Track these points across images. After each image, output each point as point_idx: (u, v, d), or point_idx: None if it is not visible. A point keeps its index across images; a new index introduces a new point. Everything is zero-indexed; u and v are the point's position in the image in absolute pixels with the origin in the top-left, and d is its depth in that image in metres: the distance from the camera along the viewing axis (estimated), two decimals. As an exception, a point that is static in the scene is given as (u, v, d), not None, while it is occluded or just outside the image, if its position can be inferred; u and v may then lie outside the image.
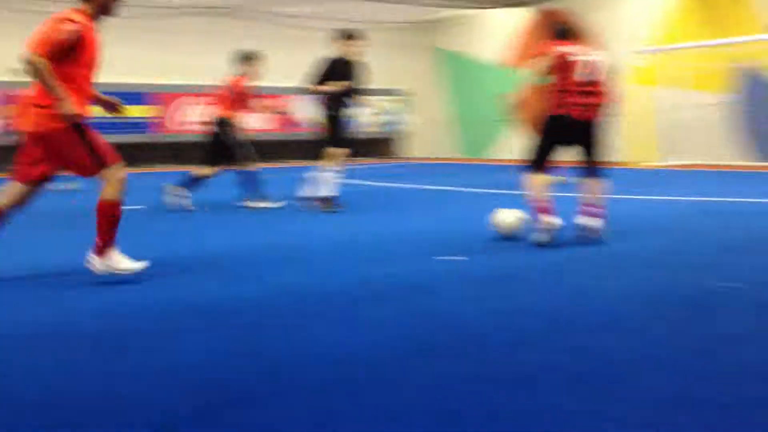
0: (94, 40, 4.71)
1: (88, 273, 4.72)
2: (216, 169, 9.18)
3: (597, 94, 6.02)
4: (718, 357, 3.08)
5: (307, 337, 3.49)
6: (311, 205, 8.68)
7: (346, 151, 8.81)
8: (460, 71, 21.73)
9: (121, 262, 4.73)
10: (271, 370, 3.04)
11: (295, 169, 11.85)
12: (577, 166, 6.22)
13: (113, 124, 13.41)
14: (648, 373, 2.89)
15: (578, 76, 5.98)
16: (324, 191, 8.66)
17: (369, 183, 12.66)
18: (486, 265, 5.22)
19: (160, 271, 4.93)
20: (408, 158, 21.84)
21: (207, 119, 9.60)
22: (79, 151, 4.69)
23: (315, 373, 2.99)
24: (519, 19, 19.81)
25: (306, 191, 8.92)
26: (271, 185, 9.49)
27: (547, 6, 18.97)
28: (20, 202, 4.89)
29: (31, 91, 4.69)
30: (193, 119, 18.80)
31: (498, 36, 20.45)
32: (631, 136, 15.41)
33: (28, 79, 4.61)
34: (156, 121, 18.92)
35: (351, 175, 13.08)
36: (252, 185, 9.16)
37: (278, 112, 9.77)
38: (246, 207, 9.00)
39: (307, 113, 19.81)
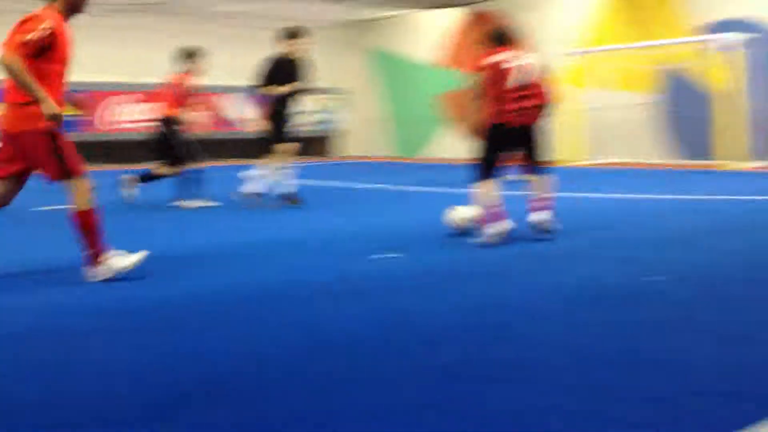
0: (66, 37, 4.70)
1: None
2: (176, 169, 9.06)
3: (532, 97, 6.18)
4: (641, 348, 3.21)
5: (247, 338, 3.51)
6: (262, 203, 8.67)
7: (295, 146, 8.81)
8: (394, 71, 21.84)
9: (119, 261, 4.71)
10: (215, 370, 3.05)
11: (232, 167, 11.74)
12: (522, 166, 6.36)
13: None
14: (572, 364, 3.00)
15: (513, 82, 6.12)
16: (281, 188, 8.74)
17: (305, 182, 12.61)
18: (424, 262, 5.31)
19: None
20: (343, 157, 21.84)
21: (152, 118, 9.49)
22: (48, 156, 4.67)
23: (255, 374, 3.01)
24: (451, 19, 20.02)
25: (251, 188, 8.88)
26: (208, 184, 9.42)
27: (478, 7, 19.23)
28: (1, 199, 4.85)
29: (7, 91, 4.63)
30: (126, 118, 18.47)
31: (431, 36, 20.63)
32: (561, 136, 15.75)
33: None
34: (86, 119, 18.48)
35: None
36: (191, 185, 9.08)
37: (209, 112, 9.72)
38: (179, 207, 8.90)
39: (243, 112, 19.74)
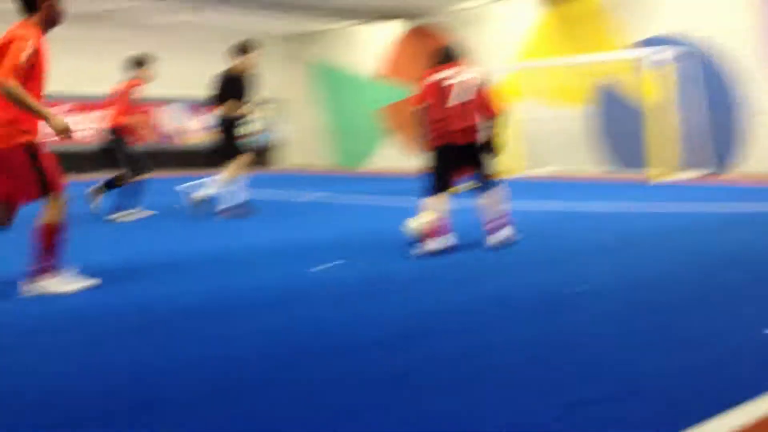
0: (45, 52, 4.65)
1: None
2: (137, 176, 8.96)
3: (474, 113, 6.23)
4: (572, 354, 3.29)
5: (180, 349, 3.48)
6: (213, 212, 8.67)
7: (250, 158, 8.84)
8: (336, 83, 21.89)
9: (60, 285, 4.67)
10: (148, 382, 3.02)
11: (171, 179, 11.61)
12: (471, 180, 6.42)
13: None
14: (505, 373, 3.06)
15: (455, 99, 6.18)
16: (232, 199, 8.68)
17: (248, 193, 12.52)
18: (363, 272, 5.33)
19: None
20: (285, 167, 21.77)
21: (100, 128, 9.35)
22: (29, 173, 4.61)
23: (189, 385, 2.99)
24: (392, 33, 20.17)
25: (202, 195, 8.81)
26: (147, 194, 9.31)
27: (418, 22, 19.42)
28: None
29: None
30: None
31: (372, 49, 20.75)
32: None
33: None
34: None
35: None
36: (129, 197, 8.97)
37: (145, 125, 9.67)
38: (114, 220, 8.79)
39: (181, 123, 19.53)
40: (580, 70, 15.77)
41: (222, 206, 8.75)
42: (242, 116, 8.78)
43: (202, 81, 19.73)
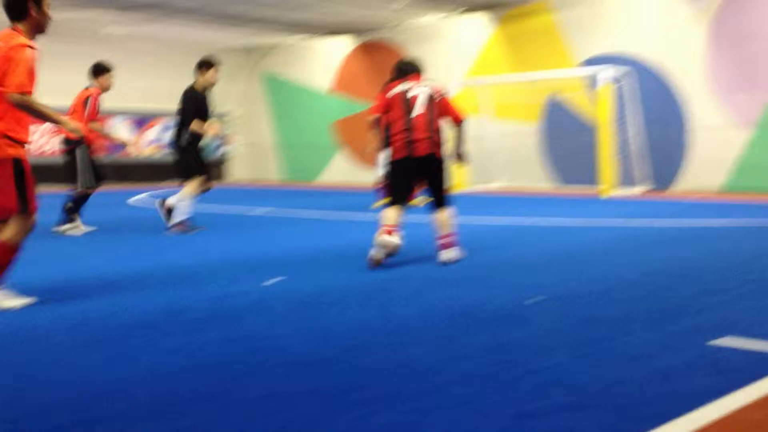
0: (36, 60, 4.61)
1: None
2: (90, 188, 8.82)
3: (437, 124, 6.32)
4: (520, 366, 3.30)
5: (121, 363, 3.41)
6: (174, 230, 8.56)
7: (204, 177, 8.77)
8: (287, 97, 21.85)
9: (8, 300, 4.60)
10: (89, 396, 2.95)
11: (116, 193, 11.42)
12: (425, 196, 6.45)
13: None
14: (456, 386, 3.05)
15: (418, 111, 6.25)
16: (179, 215, 8.56)
17: (197, 207, 12.39)
18: (309, 285, 5.29)
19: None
20: (235, 182, 21.61)
21: (59, 138, 9.18)
22: (9, 189, 4.53)
23: (134, 400, 2.92)
24: (344, 47, 20.23)
25: (179, 217, 8.68)
26: (91, 208, 9.14)
27: (370, 37, 19.52)
28: None
29: None
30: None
31: (324, 63, 20.78)
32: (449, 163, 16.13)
33: None
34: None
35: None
36: (77, 209, 8.81)
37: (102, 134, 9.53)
38: (57, 232, 8.62)
39: (127, 136, 19.30)
40: (528, 86, 16.02)
41: (174, 221, 8.62)
42: (203, 133, 8.68)
43: (154, 94, 19.77)
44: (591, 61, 15.17)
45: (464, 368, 3.27)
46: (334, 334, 3.92)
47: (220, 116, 21.27)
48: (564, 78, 15.39)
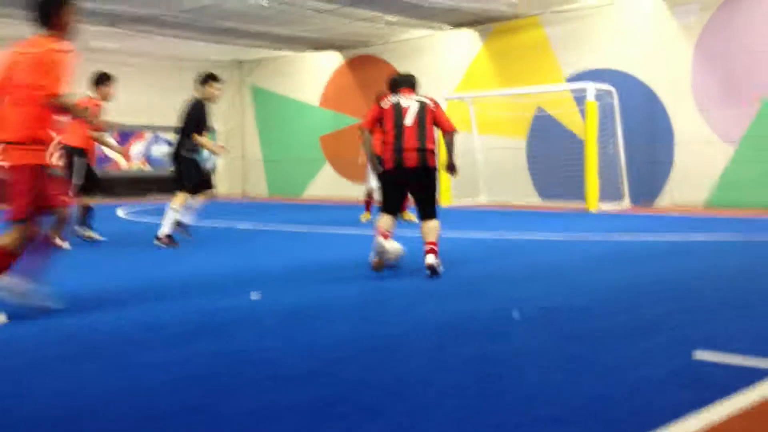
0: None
1: None
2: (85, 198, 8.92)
3: (429, 135, 6.39)
4: (503, 381, 3.33)
5: (100, 377, 3.41)
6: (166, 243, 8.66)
7: (204, 189, 8.98)
8: (274, 110, 21.88)
9: None
10: (69, 408, 2.95)
11: (104, 206, 11.38)
12: (416, 208, 6.55)
13: None
14: (440, 400, 3.08)
15: (410, 121, 6.34)
16: (167, 227, 8.63)
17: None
18: (293, 299, 5.30)
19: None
20: (221, 195, 21.58)
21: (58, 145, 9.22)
22: (21, 191, 4.65)
23: (115, 414, 2.93)
24: (331, 62, 20.30)
25: (185, 221, 8.84)
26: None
27: (358, 52, 19.60)
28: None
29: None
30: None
31: (311, 78, 20.84)
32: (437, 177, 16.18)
33: None
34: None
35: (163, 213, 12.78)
36: (85, 222, 8.95)
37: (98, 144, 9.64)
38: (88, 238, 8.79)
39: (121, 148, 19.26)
40: (515, 101, 16.13)
41: (162, 232, 8.64)
42: (200, 146, 8.83)
43: (142, 108, 19.73)
44: (578, 77, 15.30)
45: (449, 381, 3.30)
46: (320, 347, 3.93)
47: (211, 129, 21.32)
48: (551, 93, 15.51)
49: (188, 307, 5.03)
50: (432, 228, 6.37)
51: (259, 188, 22.32)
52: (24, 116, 4.62)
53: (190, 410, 2.96)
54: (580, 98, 14.56)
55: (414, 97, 6.53)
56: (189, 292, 5.67)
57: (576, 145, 14.87)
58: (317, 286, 5.87)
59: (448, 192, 15.60)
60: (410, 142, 6.32)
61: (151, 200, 18.93)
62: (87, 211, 9.04)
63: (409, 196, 6.61)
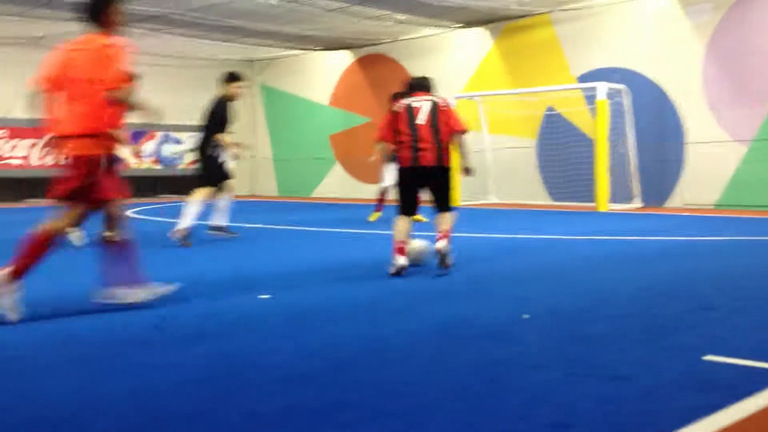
0: None
1: None
2: None
3: (438, 136, 6.44)
4: (508, 383, 3.29)
5: (92, 381, 3.39)
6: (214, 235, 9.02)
7: (231, 185, 9.25)
8: (284, 109, 21.87)
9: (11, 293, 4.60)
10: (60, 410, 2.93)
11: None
12: (431, 206, 6.66)
13: None
14: (444, 403, 3.04)
15: (418, 122, 6.42)
16: (186, 221, 8.73)
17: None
18: (295, 301, 5.28)
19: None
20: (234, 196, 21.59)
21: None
22: (74, 176, 4.79)
23: (120, 417, 2.91)
24: (342, 61, 20.28)
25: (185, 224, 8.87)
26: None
27: (368, 51, 19.57)
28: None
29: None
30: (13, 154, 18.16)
31: (322, 77, 20.81)
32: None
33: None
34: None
35: (170, 212, 12.79)
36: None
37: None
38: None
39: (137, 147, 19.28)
40: (526, 101, 16.07)
41: (179, 226, 8.69)
42: (223, 144, 8.95)
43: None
44: (588, 75, 15.22)
45: (452, 385, 3.26)
46: (322, 350, 3.90)
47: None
48: (561, 92, 15.43)
49: (192, 308, 5.02)
50: (447, 217, 6.50)
51: (268, 188, 22.32)
52: (83, 110, 4.76)
53: (192, 413, 2.94)
54: (590, 97, 14.48)
55: (426, 97, 6.61)
56: (194, 292, 5.64)
57: (586, 144, 14.80)
58: (323, 287, 5.85)
59: (457, 192, 15.55)
60: (425, 140, 6.41)
61: (162, 200, 18.97)
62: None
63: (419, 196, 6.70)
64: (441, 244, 6.33)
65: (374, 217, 11.82)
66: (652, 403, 2.98)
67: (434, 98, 6.60)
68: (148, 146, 20.78)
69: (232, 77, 9.10)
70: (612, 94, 14.31)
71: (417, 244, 6.67)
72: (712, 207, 13.81)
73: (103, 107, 4.75)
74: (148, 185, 20.24)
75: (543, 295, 5.43)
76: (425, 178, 6.48)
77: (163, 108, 5.12)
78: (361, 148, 18.94)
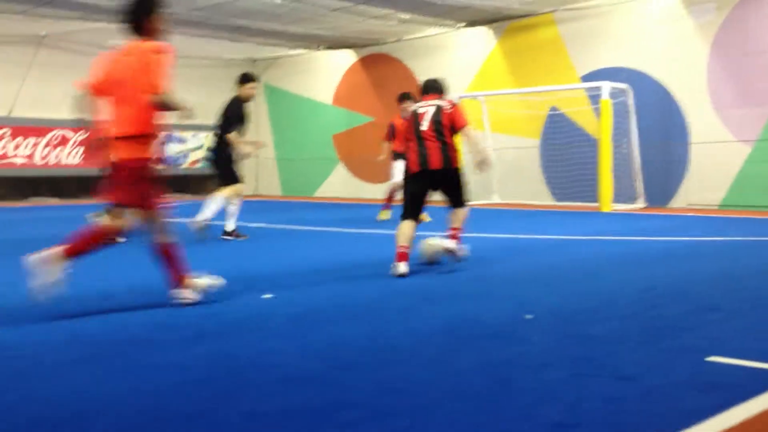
0: None
1: None
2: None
3: (443, 139, 6.51)
4: (512, 384, 3.27)
5: (93, 381, 3.38)
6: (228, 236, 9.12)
7: (241, 185, 9.37)
8: (287, 109, 21.86)
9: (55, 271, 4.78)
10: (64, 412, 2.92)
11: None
12: (443, 205, 6.81)
13: None
14: (446, 403, 3.03)
15: (423, 127, 6.53)
16: (208, 213, 8.97)
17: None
18: (297, 301, 5.26)
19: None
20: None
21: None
22: (126, 180, 4.96)
23: (121, 417, 2.90)
24: (345, 60, 20.26)
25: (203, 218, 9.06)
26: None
27: (372, 51, 19.55)
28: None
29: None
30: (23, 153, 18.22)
31: (325, 76, 20.80)
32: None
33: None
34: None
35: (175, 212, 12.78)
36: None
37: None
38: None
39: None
40: (529, 100, 16.04)
41: (200, 217, 8.90)
42: (233, 144, 9.08)
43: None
44: (592, 75, 15.19)
45: (456, 385, 3.24)
46: (324, 350, 3.89)
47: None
48: (565, 92, 15.40)
49: (192, 308, 5.00)
50: (459, 214, 6.62)
51: (272, 187, 22.31)
52: (130, 113, 4.89)
53: (192, 413, 2.92)
54: (594, 97, 14.44)
55: (433, 101, 6.70)
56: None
57: (590, 144, 14.77)
58: (325, 287, 5.83)
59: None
60: (429, 144, 6.50)
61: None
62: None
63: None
64: (450, 244, 6.48)
65: (384, 215, 11.82)
66: (656, 404, 2.96)
67: (439, 102, 6.67)
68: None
69: (246, 78, 9.27)
70: (616, 94, 14.27)
71: (433, 242, 6.74)
72: (716, 207, 13.78)
73: (148, 110, 4.89)
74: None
75: (546, 295, 5.41)
76: (434, 182, 6.57)
77: (194, 108, 5.24)
78: (365, 148, 18.93)
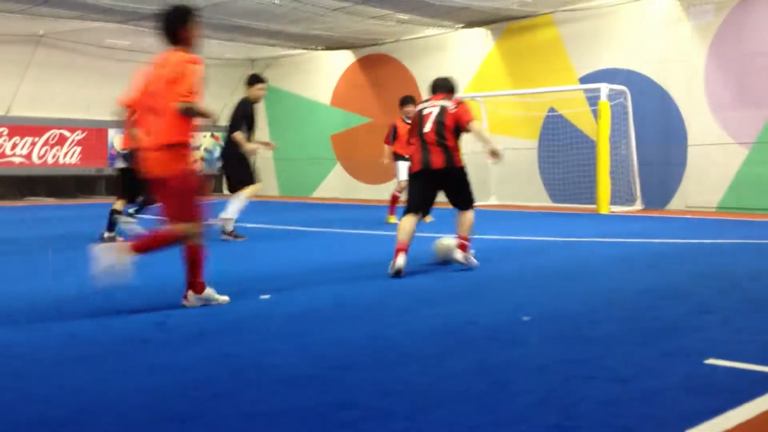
0: None
1: None
2: (126, 202, 9.05)
3: (446, 139, 6.53)
4: (510, 385, 3.28)
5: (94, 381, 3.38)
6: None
7: (259, 185, 9.53)
8: (285, 109, 21.83)
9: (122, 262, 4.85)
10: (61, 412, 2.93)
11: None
12: (450, 206, 6.85)
13: None
14: (445, 404, 3.03)
15: (426, 128, 6.55)
16: (230, 213, 9.10)
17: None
18: (297, 301, 5.27)
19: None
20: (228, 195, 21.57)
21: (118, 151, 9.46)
22: (178, 199, 5.00)
23: (121, 416, 2.90)
24: (344, 61, 20.25)
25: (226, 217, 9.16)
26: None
27: (371, 51, 19.55)
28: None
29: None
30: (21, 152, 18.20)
31: (323, 76, 20.79)
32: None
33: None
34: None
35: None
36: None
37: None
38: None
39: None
40: (527, 102, 16.04)
41: (222, 215, 9.01)
42: (239, 144, 9.11)
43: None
44: (591, 77, 15.20)
45: (455, 387, 3.25)
46: (323, 351, 3.89)
47: (216, 129, 21.31)
48: (563, 93, 15.41)
49: (192, 308, 5.01)
50: (465, 222, 6.65)
51: (270, 188, 22.28)
52: (166, 123, 4.93)
53: (192, 413, 2.93)
54: (592, 98, 14.46)
55: (438, 102, 6.71)
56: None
57: (588, 146, 14.78)
58: (323, 287, 5.83)
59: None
60: (432, 145, 6.53)
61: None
62: (114, 213, 9.02)
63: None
64: (459, 256, 6.57)
65: (392, 219, 11.72)
66: (654, 406, 2.97)
67: (444, 103, 6.69)
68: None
69: (255, 79, 9.34)
70: (614, 96, 14.29)
71: (447, 242, 6.82)
72: (714, 209, 13.79)
73: (182, 120, 4.93)
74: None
75: (544, 297, 5.42)
76: (436, 181, 6.59)
77: (217, 112, 5.27)
78: (362, 149, 18.92)
